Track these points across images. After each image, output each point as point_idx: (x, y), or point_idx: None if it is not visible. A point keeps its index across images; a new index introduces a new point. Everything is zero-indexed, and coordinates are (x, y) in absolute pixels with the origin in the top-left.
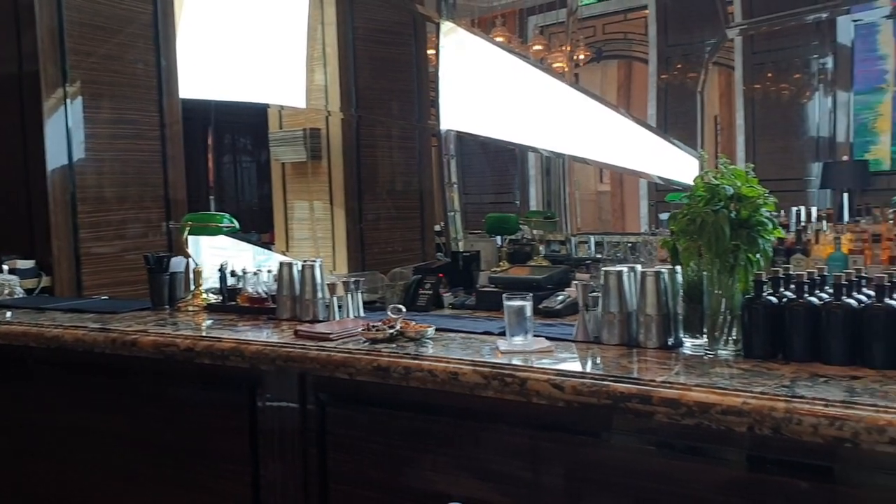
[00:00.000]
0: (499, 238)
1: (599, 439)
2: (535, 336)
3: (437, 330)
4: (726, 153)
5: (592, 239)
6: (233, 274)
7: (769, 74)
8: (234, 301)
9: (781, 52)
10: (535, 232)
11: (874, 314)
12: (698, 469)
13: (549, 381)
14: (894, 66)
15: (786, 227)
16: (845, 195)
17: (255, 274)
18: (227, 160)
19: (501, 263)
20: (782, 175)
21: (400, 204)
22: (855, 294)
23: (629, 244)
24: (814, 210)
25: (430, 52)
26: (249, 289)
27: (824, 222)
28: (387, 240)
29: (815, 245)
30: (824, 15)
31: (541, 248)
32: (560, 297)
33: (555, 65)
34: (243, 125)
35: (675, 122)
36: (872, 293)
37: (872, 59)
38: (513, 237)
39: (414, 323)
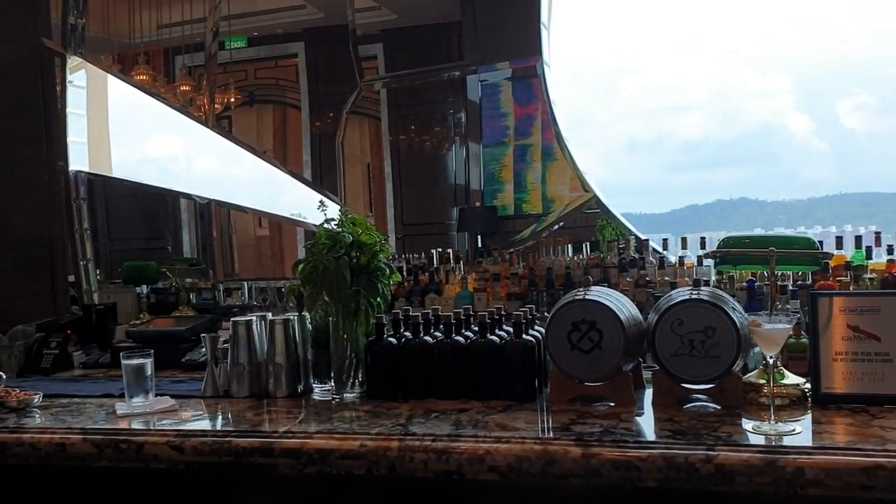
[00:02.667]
0: (145, 287)
1: (230, 501)
2: (160, 395)
3: (47, 396)
4: (379, 200)
5: (245, 285)
6: None
7: (413, 126)
8: None
9: (422, 106)
10: (187, 280)
11: (478, 349)
12: None
13: (168, 444)
14: (514, 123)
15: (422, 268)
16: (478, 237)
17: None
18: None
19: (142, 315)
20: (427, 220)
21: (25, 254)
22: (464, 331)
23: (278, 289)
24: (450, 252)
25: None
26: None
27: (452, 263)
28: (9, 294)
29: (446, 285)
30: (457, 73)
31: (191, 296)
32: (204, 349)
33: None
34: None
35: (329, 169)
36: (477, 329)
37: (497, 116)
38: (158, 286)
39: (18, 391)
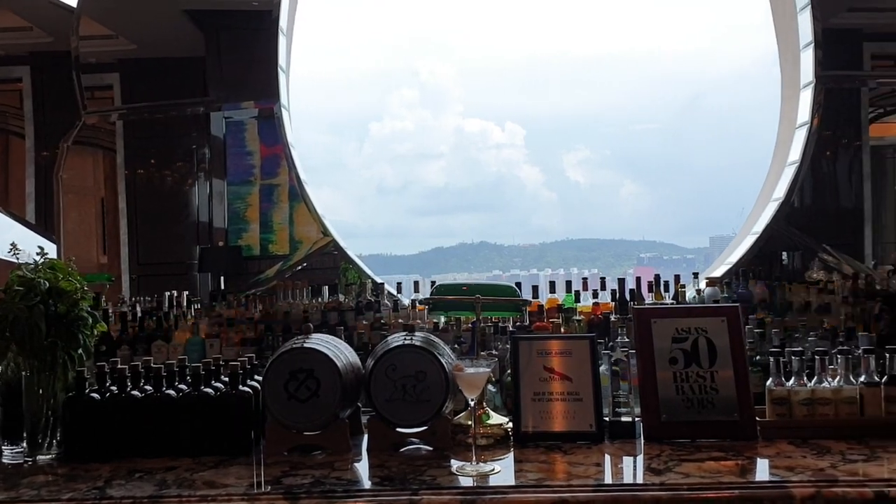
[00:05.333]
0: None
1: None
2: None
3: None
4: (112, 237)
5: None
6: None
7: (152, 161)
8: None
9: (164, 140)
10: None
11: (190, 403)
12: None
13: None
14: (261, 162)
15: (151, 312)
16: (221, 278)
17: None
18: None
19: None
20: (166, 259)
21: None
22: (178, 384)
23: None
24: (185, 294)
25: None
26: None
27: (184, 307)
28: None
29: (176, 331)
30: (201, 109)
31: None
32: None
33: None
34: None
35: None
36: (191, 381)
37: (242, 154)
38: None
39: None
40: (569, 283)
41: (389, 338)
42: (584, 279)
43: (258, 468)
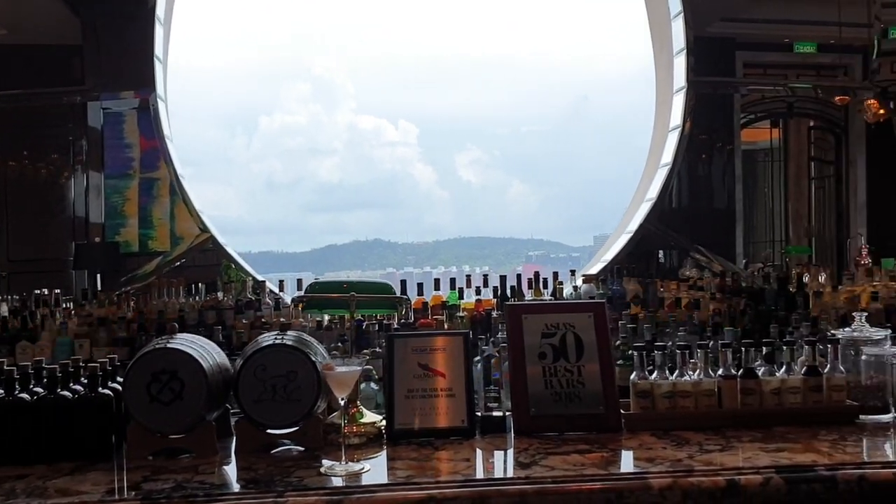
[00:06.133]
0: None
1: None
2: None
3: None
4: None
5: None
6: None
7: (25, 152)
8: None
9: (38, 130)
10: None
11: (44, 406)
12: None
13: None
14: (140, 155)
15: (17, 312)
16: (98, 275)
17: None
18: None
19: None
20: (40, 255)
21: None
22: (33, 386)
23: None
24: (56, 293)
25: None
26: None
27: (52, 306)
28: None
29: (43, 331)
30: (77, 98)
31: None
32: None
33: None
34: None
35: None
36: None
37: (121, 147)
38: None
39: None
40: (453, 281)
41: (260, 337)
42: (468, 276)
43: (119, 473)
